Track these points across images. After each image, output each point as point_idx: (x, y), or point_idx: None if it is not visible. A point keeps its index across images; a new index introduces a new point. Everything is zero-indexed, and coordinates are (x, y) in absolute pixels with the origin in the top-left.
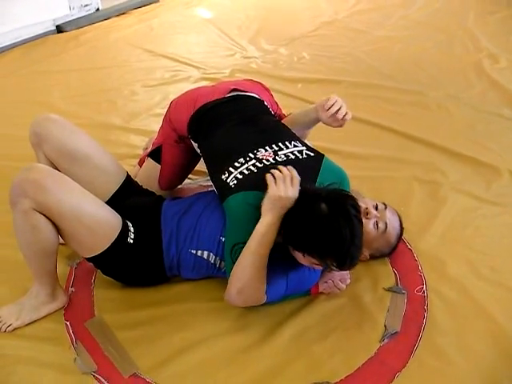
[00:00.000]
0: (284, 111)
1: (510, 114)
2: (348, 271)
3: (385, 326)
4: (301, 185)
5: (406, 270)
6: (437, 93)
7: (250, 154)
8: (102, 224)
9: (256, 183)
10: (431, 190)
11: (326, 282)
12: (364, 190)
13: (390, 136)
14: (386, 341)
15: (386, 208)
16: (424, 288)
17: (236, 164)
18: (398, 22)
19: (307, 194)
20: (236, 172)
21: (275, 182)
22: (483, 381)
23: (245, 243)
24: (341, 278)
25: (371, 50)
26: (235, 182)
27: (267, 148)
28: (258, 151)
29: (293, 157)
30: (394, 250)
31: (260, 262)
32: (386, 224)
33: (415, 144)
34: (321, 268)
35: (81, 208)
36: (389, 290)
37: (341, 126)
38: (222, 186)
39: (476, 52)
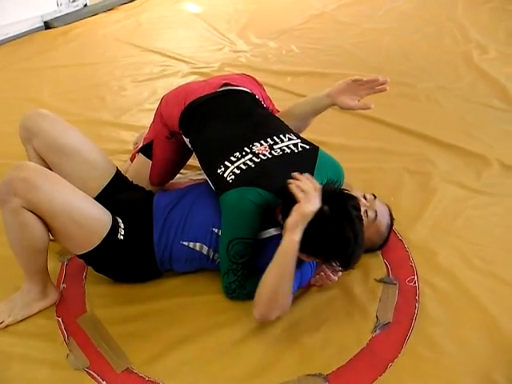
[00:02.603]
0: (274, 104)
1: (499, 105)
2: None
3: (376, 316)
4: None
5: (397, 260)
6: (426, 84)
7: (246, 149)
8: (92, 221)
9: (254, 179)
10: (421, 180)
11: (318, 275)
12: (354, 181)
13: (379, 127)
14: (377, 332)
15: (375, 198)
16: (415, 279)
17: (232, 158)
18: (387, 14)
19: None
20: (233, 167)
21: (305, 195)
22: (475, 370)
23: (242, 239)
24: (332, 270)
25: (360, 43)
26: (233, 177)
27: (262, 142)
28: (253, 145)
29: (288, 151)
30: (385, 243)
31: (291, 276)
32: (375, 212)
33: (405, 135)
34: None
35: (71, 206)
36: (380, 281)
37: (364, 107)
38: (218, 180)
39: (465, 43)
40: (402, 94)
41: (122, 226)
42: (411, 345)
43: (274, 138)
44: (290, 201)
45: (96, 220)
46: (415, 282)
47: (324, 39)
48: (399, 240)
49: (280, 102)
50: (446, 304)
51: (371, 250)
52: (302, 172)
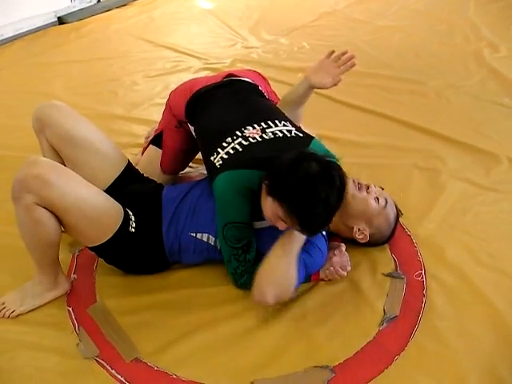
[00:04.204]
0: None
1: (510, 103)
2: (348, 258)
3: (384, 310)
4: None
5: (405, 255)
6: (436, 82)
7: (238, 132)
8: (104, 215)
9: (240, 162)
10: (430, 177)
11: (328, 269)
12: (363, 177)
13: (389, 124)
14: (384, 325)
15: (382, 190)
16: (423, 273)
17: (224, 144)
18: (399, 11)
19: (302, 152)
20: (223, 152)
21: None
22: (481, 364)
23: (234, 223)
24: (341, 265)
25: (371, 40)
26: (221, 162)
27: (255, 125)
28: (245, 129)
29: (280, 135)
30: (393, 233)
31: (294, 260)
32: (385, 200)
33: (415, 132)
34: (284, 227)
35: (84, 201)
36: (388, 275)
37: (335, 83)
38: (210, 168)
39: (476, 41)
40: (412, 91)
41: (132, 218)
42: (418, 338)
43: (269, 122)
44: (275, 169)
45: (108, 215)
46: (423, 277)
47: (335, 36)
48: (407, 235)
49: None
50: (452, 299)
51: (380, 241)
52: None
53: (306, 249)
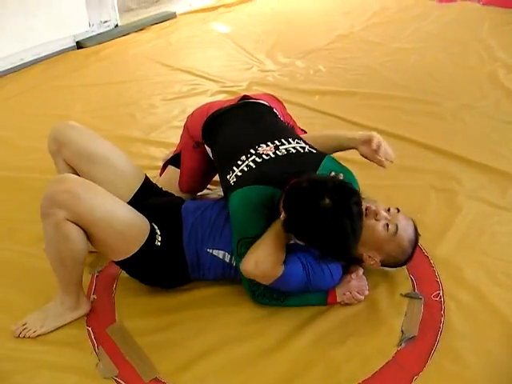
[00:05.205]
0: (301, 123)
1: None
2: (366, 282)
3: (402, 330)
4: (306, 173)
5: (423, 276)
6: (451, 103)
7: (252, 150)
8: (132, 228)
9: (253, 178)
10: (447, 197)
11: (345, 294)
12: (380, 198)
13: (405, 145)
14: (403, 345)
15: (398, 212)
16: (441, 294)
17: (238, 162)
18: (413, 34)
19: (312, 185)
20: (237, 170)
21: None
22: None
23: (247, 238)
24: (359, 289)
25: (386, 62)
26: (235, 179)
27: (269, 143)
28: (259, 146)
29: (294, 151)
30: (409, 258)
31: (278, 241)
32: (396, 226)
33: (431, 153)
34: None
35: (112, 214)
36: (406, 295)
37: (378, 162)
38: (226, 186)
39: (490, 62)
40: (427, 112)
41: (158, 232)
42: (436, 358)
43: (282, 140)
44: (292, 190)
45: (136, 227)
46: (441, 297)
47: (351, 59)
48: (425, 256)
49: (307, 121)
50: (471, 318)
51: (395, 265)
52: (303, 170)
53: (314, 260)
